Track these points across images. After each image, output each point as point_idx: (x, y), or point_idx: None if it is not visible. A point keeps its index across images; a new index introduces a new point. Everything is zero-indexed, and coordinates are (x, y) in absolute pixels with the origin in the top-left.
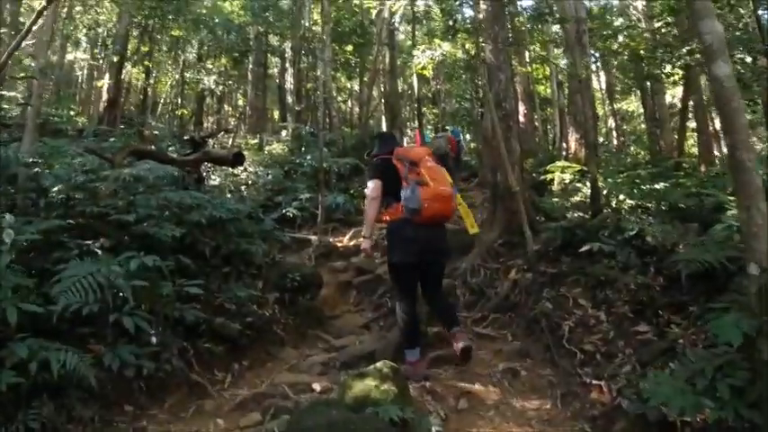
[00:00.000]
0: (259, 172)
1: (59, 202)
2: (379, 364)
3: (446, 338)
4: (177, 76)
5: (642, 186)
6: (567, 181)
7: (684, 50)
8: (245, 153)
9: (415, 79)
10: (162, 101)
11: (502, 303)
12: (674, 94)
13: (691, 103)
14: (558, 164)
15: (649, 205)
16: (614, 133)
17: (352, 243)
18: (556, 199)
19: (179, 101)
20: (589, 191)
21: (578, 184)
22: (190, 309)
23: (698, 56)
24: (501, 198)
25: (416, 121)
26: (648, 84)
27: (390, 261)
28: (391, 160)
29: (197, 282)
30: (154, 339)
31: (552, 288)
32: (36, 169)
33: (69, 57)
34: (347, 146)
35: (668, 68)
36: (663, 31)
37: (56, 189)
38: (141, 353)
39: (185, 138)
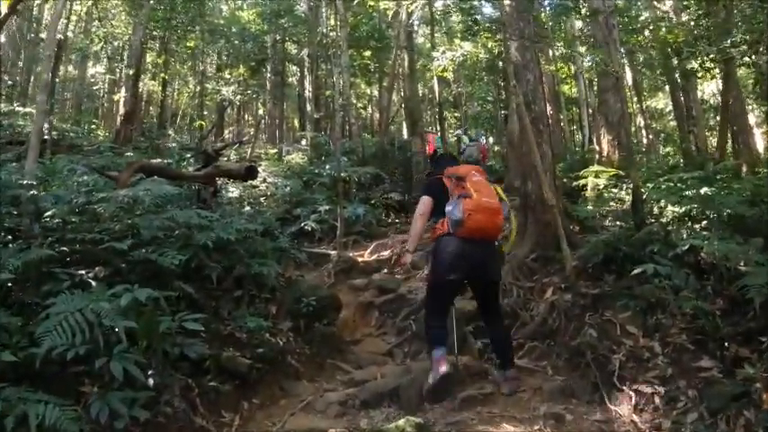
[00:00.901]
0: (278, 183)
1: (55, 227)
2: (401, 423)
3: (479, 373)
4: (196, 88)
5: (687, 192)
6: (601, 187)
7: (728, 42)
8: (264, 163)
9: (435, 82)
10: (180, 113)
11: (539, 329)
12: (702, 90)
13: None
14: (592, 168)
15: (697, 215)
16: (644, 132)
17: (373, 258)
18: (590, 207)
19: (198, 112)
20: (626, 197)
21: (614, 190)
22: (193, 343)
23: (744, 47)
24: (532, 208)
25: (438, 126)
26: (678, 79)
27: (431, 276)
28: (442, 178)
29: (197, 315)
30: (151, 381)
31: (595, 312)
32: (32, 191)
33: (90, 71)
34: (367, 154)
35: (707, 62)
36: (700, 22)
37: (50, 213)
38: (137, 397)
39: (199, 151)
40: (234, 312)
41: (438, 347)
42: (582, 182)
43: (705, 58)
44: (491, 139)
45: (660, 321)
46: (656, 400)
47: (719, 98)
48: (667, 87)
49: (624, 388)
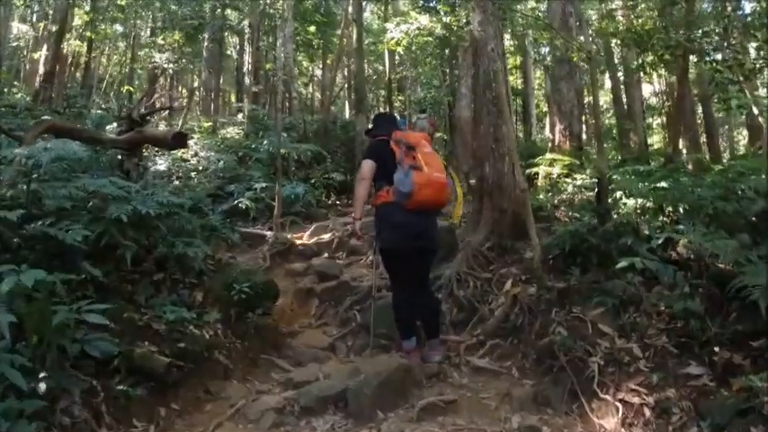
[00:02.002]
0: (211, 157)
1: None
2: None
3: (437, 374)
4: (127, 52)
5: (648, 184)
6: (554, 176)
7: (697, 33)
8: (197, 136)
9: (387, 58)
10: (108, 78)
11: (501, 325)
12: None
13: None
14: (548, 156)
15: (665, 208)
16: (584, 128)
17: (313, 240)
18: (541, 196)
19: (127, 79)
20: (582, 187)
21: (567, 179)
22: (98, 338)
23: (706, 39)
24: (489, 194)
25: (387, 107)
26: (621, 76)
27: (380, 246)
28: (389, 142)
29: (102, 306)
30: (43, 386)
31: (562, 308)
32: None
33: (15, 28)
34: (308, 131)
35: (665, 54)
36: (665, 11)
37: None
38: (22, 408)
39: (122, 116)
40: (152, 300)
41: (407, 339)
42: (534, 170)
43: (663, 50)
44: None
45: (635, 321)
46: (647, 412)
47: (659, 98)
48: (608, 83)
49: (607, 397)
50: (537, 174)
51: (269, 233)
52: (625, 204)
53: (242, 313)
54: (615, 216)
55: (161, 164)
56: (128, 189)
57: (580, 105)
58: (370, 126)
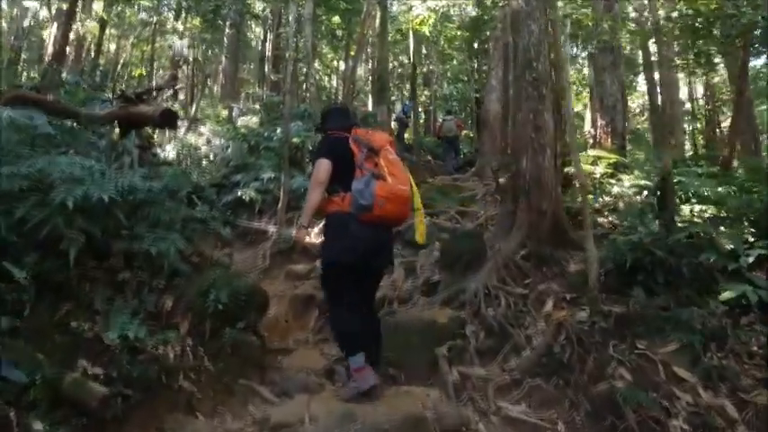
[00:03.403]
0: (220, 144)
1: None
2: None
3: (457, 428)
4: (146, 35)
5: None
6: (597, 175)
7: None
8: (209, 123)
9: (411, 43)
10: (122, 61)
11: (542, 360)
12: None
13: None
14: (591, 153)
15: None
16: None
17: (321, 239)
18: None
19: (146, 64)
20: (629, 189)
21: (611, 180)
22: (12, 360)
23: None
24: (526, 192)
25: (410, 90)
26: (657, 75)
27: (325, 260)
28: (348, 140)
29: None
30: None
31: (622, 340)
32: None
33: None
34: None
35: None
36: None
37: None
38: None
39: (116, 95)
40: (109, 304)
41: (353, 355)
42: (572, 169)
43: (724, 39)
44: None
45: (722, 364)
46: None
47: (695, 101)
48: (642, 82)
49: None
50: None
51: (272, 229)
52: (692, 212)
53: (219, 327)
54: (680, 224)
55: (169, 150)
56: (93, 170)
57: (624, 99)
58: (321, 120)
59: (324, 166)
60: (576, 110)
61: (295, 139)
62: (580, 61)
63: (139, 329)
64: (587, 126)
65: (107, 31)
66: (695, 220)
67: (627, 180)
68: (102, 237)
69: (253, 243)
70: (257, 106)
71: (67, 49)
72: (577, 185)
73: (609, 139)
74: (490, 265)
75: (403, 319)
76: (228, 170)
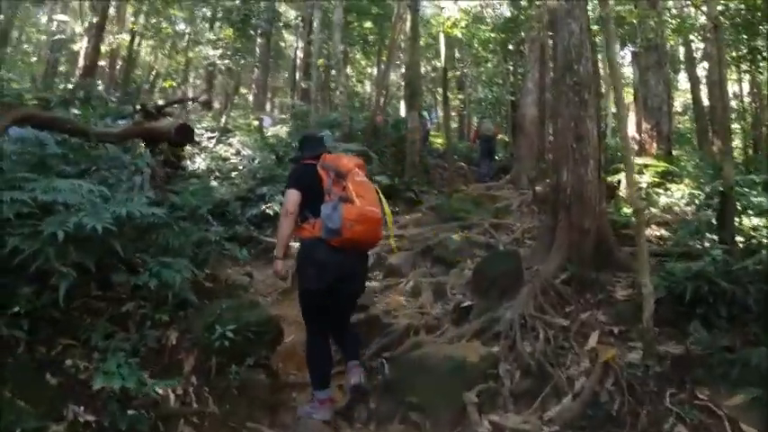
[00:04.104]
0: (248, 156)
1: None
2: None
3: None
4: (176, 45)
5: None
6: (644, 185)
7: None
8: (239, 133)
9: (442, 45)
10: (154, 73)
11: (586, 410)
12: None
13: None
14: (638, 161)
15: None
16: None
17: None
18: (626, 210)
19: (184, 76)
20: (680, 200)
21: (659, 190)
22: None
23: None
24: (567, 208)
25: (443, 104)
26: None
27: (300, 287)
28: (316, 167)
29: None
30: None
31: (680, 388)
32: None
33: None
34: (354, 129)
35: None
36: None
37: None
38: None
39: (138, 108)
40: (107, 341)
41: (321, 390)
42: (615, 178)
43: None
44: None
45: None
46: None
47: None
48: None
49: None
50: (619, 182)
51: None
52: (753, 227)
53: (225, 364)
54: (741, 242)
55: (199, 162)
56: (94, 196)
57: (670, 100)
58: (298, 148)
59: (292, 197)
60: (614, 110)
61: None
62: (620, 60)
63: (131, 375)
64: (630, 129)
65: (143, 43)
66: (758, 237)
67: (677, 190)
68: (99, 269)
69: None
70: (287, 115)
71: (102, 61)
72: (629, 204)
73: (654, 144)
74: (527, 291)
75: (429, 357)
76: (255, 183)
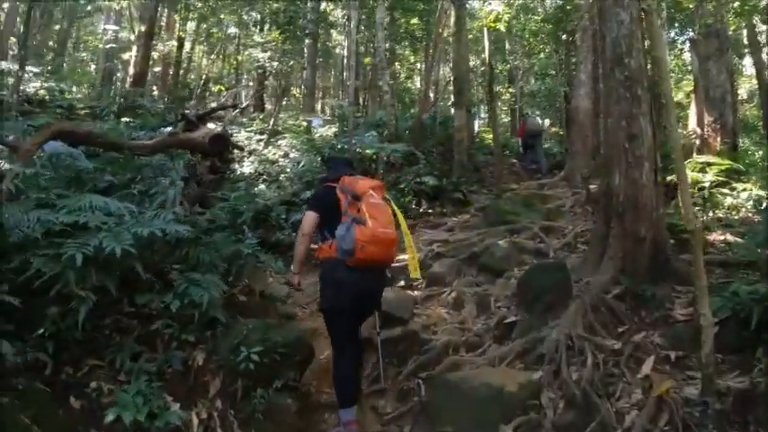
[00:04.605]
0: (294, 159)
1: None
2: None
3: None
4: (223, 50)
5: None
6: (706, 185)
7: None
8: (288, 136)
9: (486, 37)
10: (203, 78)
11: None
12: None
13: None
14: (700, 159)
15: None
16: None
17: None
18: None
19: (236, 80)
20: (738, 200)
21: (724, 190)
22: None
23: None
24: (619, 215)
25: (488, 95)
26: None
27: (322, 306)
28: (336, 190)
29: None
30: None
31: (744, 429)
32: None
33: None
34: (401, 128)
35: None
36: None
37: None
38: None
39: (180, 115)
40: (131, 363)
41: (346, 408)
42: (674, 177)
43: None
44: (547, 121)
45: None
46: None
47: None
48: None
49: None
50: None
51: None
52: None
53: (252, 387)
54: None
55: (247, 165)
56: (122, 213)
57: (734, 90)
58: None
59: (309, 219)
60: (676, 98)
61: (368, 151)
62: (679, 46)
63: (147, 402)
64: (691, 123)
65: (196, 48)
66: None
67: (742, 189)
68: (128, 286)
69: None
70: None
71: (156, 69)
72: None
73: (718, 138)
74: (575, 307)
75: (466, 381)
76: (299, 186)
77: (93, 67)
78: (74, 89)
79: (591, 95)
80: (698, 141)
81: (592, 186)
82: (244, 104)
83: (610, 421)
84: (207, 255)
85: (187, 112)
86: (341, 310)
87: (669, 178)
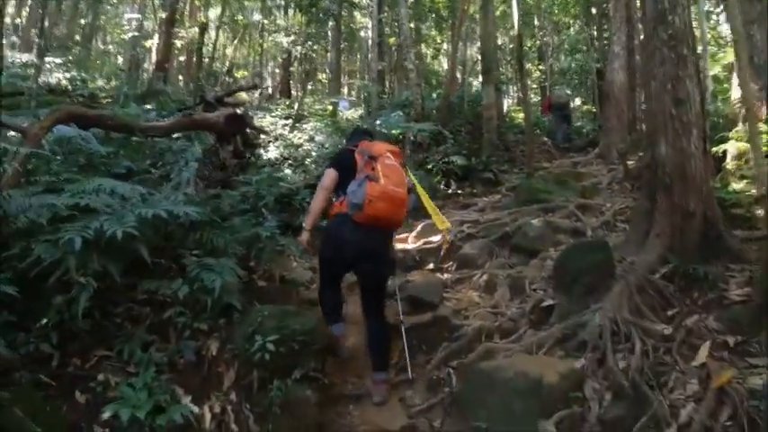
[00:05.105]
0: (327, 142)
1: None
2: None
3: None
4: (245, 36)
5: None
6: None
7: None
8: (313, 119)
9: (515, 14)
10: (227, 65)
11: None
12: None
13: None
14: (743, 128)
15: None
16: None
17: (417, 244)
18: (735, 186)
19: (259, 66)
20: None
21: None
22: None
23: None
24: (666, 188)
25: (519, 75)
26: None
27: (320, 255)
28: (354, 152)
29: None
30: None
31: None
32: None
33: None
34: (427, 108)
35: None
36: None
37: None
38: None
39: (198, 98)
40: (141, 354)
41: (335, 324)
42: (720, 148)
43: None
44: (578, 100)
45: None
46: None
47: None
48: None
49: None
50: (724, 153)
51: None
52: None
53: (269, 378)
54: None
55: (273, 151)
56: (131, 195)
57: None
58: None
59: (329, 175)
60: (713, 72)
61: (394, 131)
62: (714, 18)
63: (147, 401)
64: (734, 92)
65: (221, 36)
66: None
67: None
68: (134, 275)
69: None
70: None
71: (182, 58)
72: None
73: (764, 107)
74: (619, 289)
75: (500, 371)
76: (324, 169)
77: (120, 57)
78: (97, 79)
79: (626, 68)
80: (743, 110)
81: (629, 162)
82: (268, 88)
83: (663, 415)
84: (222, 238)
85: (205, 94)
86: (329, 260)
87: (714, 149)
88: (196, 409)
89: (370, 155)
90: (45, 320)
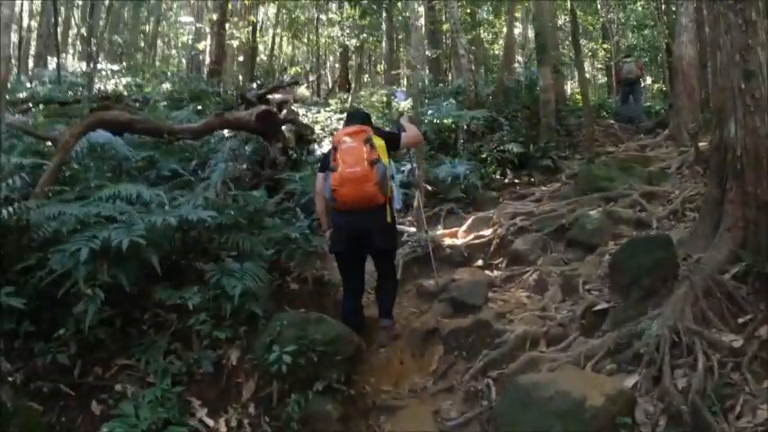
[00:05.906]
0: None
1: None
2: None
3: None
4: (296, 33)
5: None
6: None
7: None
8: (372, 112)
9: None
10: (282, 61)
11: None
12: None
13: None
14: None
15: None
16: None
17: (468, 239)
18: None
19: (317, 62)
20: None
21: None
22: None
23: None
24: (736, 173)
25: (574, 51)
26: None
27: (330, 252)
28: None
29: None
30: None
31: None
32: None
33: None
34: (482, 94)
35: None
36: None
37: None
38: None
39: (239, 97)
40: (160, 363)
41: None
42: None
43: None
44: (649, 79)
45: None
46: None
47: None
48: None
49: None
50: None
51: (411, 230)
52: None
53: (290, 389)
54: None
55: (327, 146)
56: (148, 202)
57: None
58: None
59: (317, 178)
60: None
61: (446, 120)
62: None
63: (151, 414)
64: None
65: (277, 34)
66: None
67: None
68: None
69: None
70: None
71: (240, 58)
72: None
73: None
74: (683, 292)
75: (539, 388)
76: None
77: (183, 61)
78: (153, 84)
79: (695, 42)
80: None
81: (701, 144)
82: (313, 82)
83: None
84: (248, 241)
85: (245, 93)
86: (340, 252)
87: None
88: (211, 423)
89: (333, 146)
90: (63, 330)
